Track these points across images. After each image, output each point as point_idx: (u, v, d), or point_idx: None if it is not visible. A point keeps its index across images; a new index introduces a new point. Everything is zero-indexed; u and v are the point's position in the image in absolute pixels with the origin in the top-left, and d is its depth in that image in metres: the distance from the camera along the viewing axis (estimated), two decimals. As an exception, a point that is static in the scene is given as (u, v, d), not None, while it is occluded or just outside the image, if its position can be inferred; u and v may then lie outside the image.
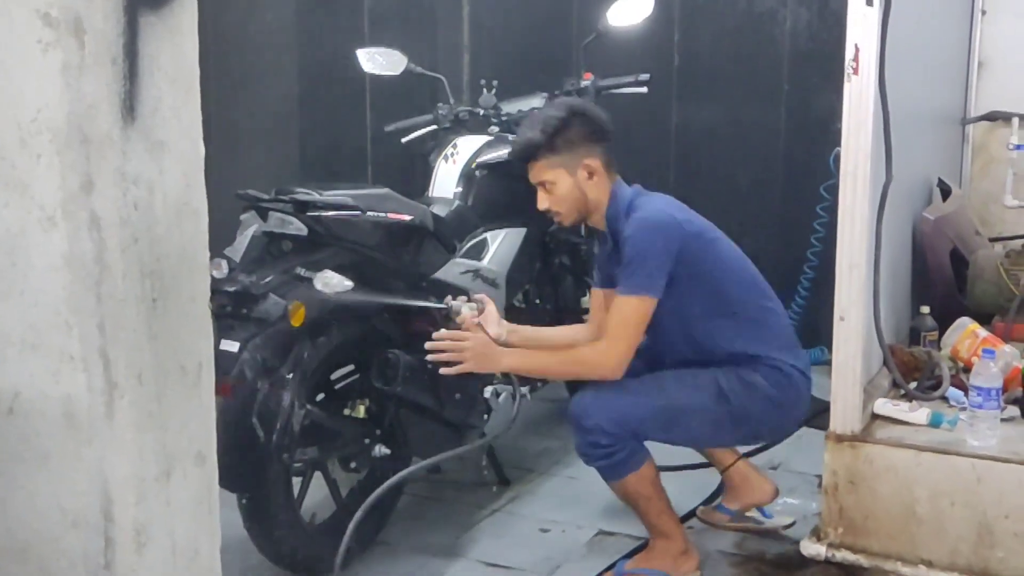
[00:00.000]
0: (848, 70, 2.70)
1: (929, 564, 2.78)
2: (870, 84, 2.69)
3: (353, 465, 2.86)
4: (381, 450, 2.87)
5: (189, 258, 1.41)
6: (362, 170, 4.89)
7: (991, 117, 4.16)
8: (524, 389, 3.44)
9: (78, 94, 1.25)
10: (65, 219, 1.28)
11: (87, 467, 1.34)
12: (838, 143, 3.00)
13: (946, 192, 3.75)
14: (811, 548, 2.91)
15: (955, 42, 4.03)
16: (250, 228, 2.60)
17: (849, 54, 2.70)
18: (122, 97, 1.28)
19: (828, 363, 4.27)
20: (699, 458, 3.60)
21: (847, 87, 2.71)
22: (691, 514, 3.29)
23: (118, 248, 1.30)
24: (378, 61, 3.68)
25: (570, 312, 3.93)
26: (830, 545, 2.88)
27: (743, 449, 3.33)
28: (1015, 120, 4.08)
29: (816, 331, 4.75)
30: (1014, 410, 2.95)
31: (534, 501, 3.47)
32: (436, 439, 3.02)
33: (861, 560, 2.85)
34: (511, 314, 3.47)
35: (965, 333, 3.27)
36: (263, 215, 2.61)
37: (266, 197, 2.62)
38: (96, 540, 1.36)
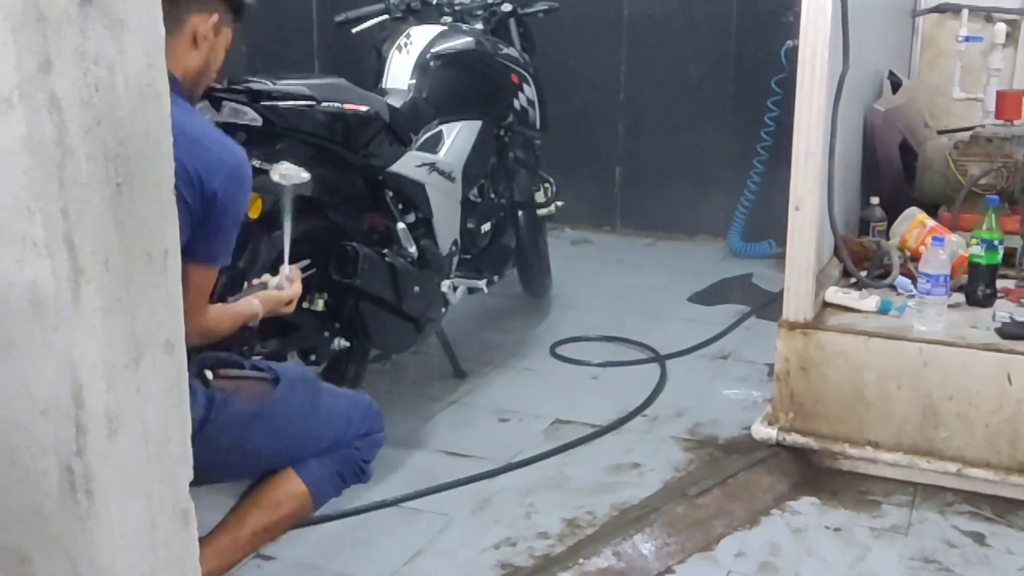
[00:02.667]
0: (807, -44, 2.68)
1: (876, 445, 2.88)
2: (829, -29, 2.67)
3: (313, 358, 2.86)
4: (340, 343, 2.88)
5: (153, 142, 1.37)
6: (309, 61, 4.79)
7: (941, 9, 4.17)
8: (480, 283, 3.46)
9: (32, -30, 1.20)
10: (23, 101, 1.23)
11: (55, 354, 1.32)
12: (790, 36, 3.01)
13: (896, 84, 3.77)
14: (762, 432, 3.00)
15: (909, -69, 4.01)
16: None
17: (808, -60, 2.68)
18: (78, -28, 1.23)
19: (777, 256, 4.38)
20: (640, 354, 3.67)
21: (806, -26, 2.70)
22: (638, 409, 3.36)
23: (80, 131, 1.26)
24: (326, -52, 3.57)
25: (524, 206, 3.93)
26: (781, 429, 2.97)
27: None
28: (964, 12, 4.09)
29: (765, 225, 4.82)
30: (959, 297, 3.03)
31: (491, 392, 3.51)
32: (395, 332, 3.03)
33: (810, 442, 2.94)
34: (467, 207, 3.46)
35: (913, 223, 3.34)
36: (216, 105, 2.55)
37: (219, 87, 2.56)
38: (67, 427, 1.35)
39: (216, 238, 1.96)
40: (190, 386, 1.89)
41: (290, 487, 2.14)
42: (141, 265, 1.38)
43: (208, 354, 2.07)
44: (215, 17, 2.02)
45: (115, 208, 1.32)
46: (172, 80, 1.93)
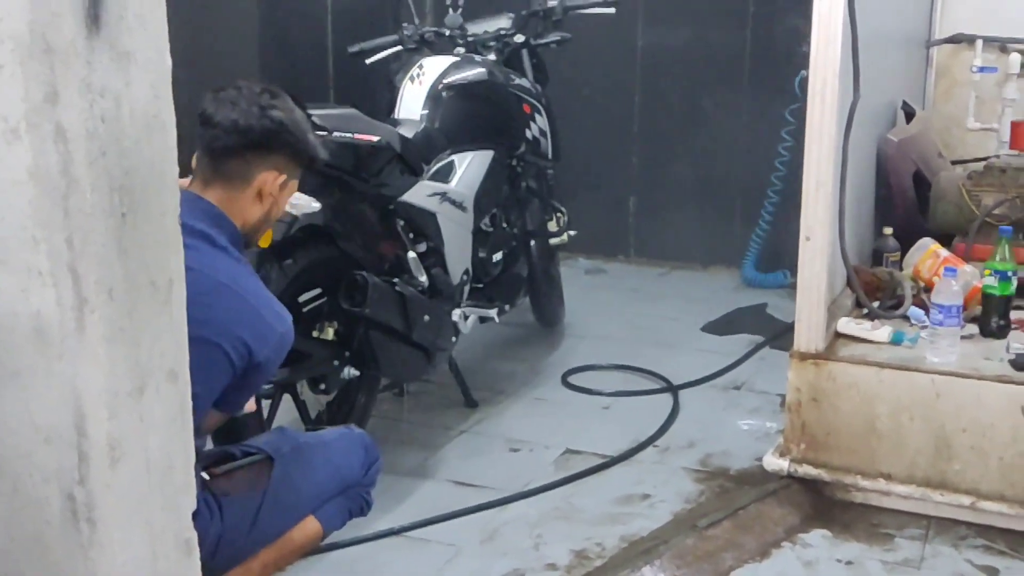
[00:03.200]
0: (818, -13, 2.69)
1: (888, 477, 2.85)
2: (839, 1, 2.68)
3: (322, 387, 2.86)
4: (350, 372, 2.88)
5: (158, 172, 1.38)
6: (324, 92, 4.83)
7: (955, 40, 4.18)
8: (492, 312, 3.46)
9: (41, 2, 1.21)
10: (29, 131, 1.25)
11: (59, 382, 1.33)
12: (804, 66, 3.01)
13: (910, 114, 3.77)
14: (774, 463, 2.98)
15: (921, -37, 4.02)
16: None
17: (819, -29, 2.69)
18: (86, 5, 1.25)
19: (790, 287, 4.36)
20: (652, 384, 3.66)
21: (816, 4, 2.71)
22: (650, 440, 3.34)
23: (85, 161, 1.28)
24: (341, -21, 3.60)
25: (537, 235, 3.94)
26: (792, 460, 2.95)
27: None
28: (979, 43, 4.10)
29: (779, 255, 4.81)
30: (973, 328, 3.01)
31: (502, 422, 3.51)
32: (405, 361, 3.03)
33: (823, 474, 2.92)
34: (479, 237, 3.47)
35: (927, 254, 3.32)
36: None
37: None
38: (70, 455, 1.35)
39: (246, 394, 2.06)
40: (207, 504, 1.95)
41: (304, 525, 2.17)
42: (145, 294, 1.39)
43: (199, 452, 2.08)
44: (283, 178, 2.06)
45: (119, 238, 1.33)
46: (232, 230, 1.99)
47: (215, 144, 2.00)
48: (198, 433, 2.00)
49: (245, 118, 1.99)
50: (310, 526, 2.17)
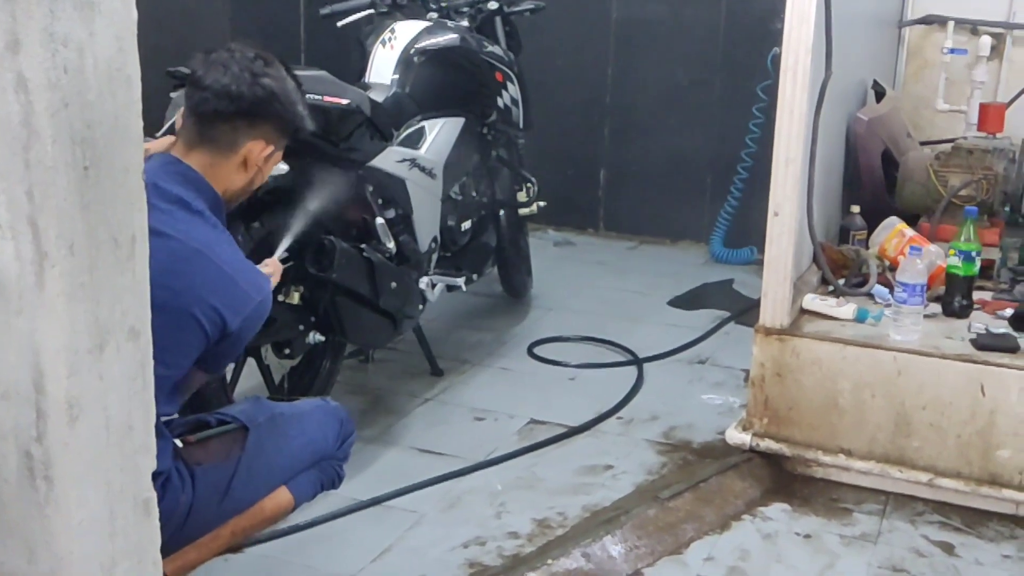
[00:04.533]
0: (792, -37, 2.69)
1: (848, 453, 2.88)
2: (814, -23, 2.68)
3: (287, 352, 2.84)
4: (315, 337, 2.86)
5: (122, 126, 1.35)
6: (295, 54, 4.77)
7: (927, 21, 4.19)
8: (459, 280, 3.45)
9: (2, -52, 1.18)
10: (-11, 81, 1.22)
11: (17, 338, 1.31)
12: (777, 43, 3.01)
13: (880, 94, 3.78)
14: (736, 437, 3.01)
15: (896, -58, 4.03)
16: (181, 107, 2.52)
17: (794, -53, 2.68)
18: (49, -48, 1.22)
19: (758, 263, 4.37)
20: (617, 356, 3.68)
21: (791, -20, 2.70)
22: (616, 408, 3.35)
23: (47, 112, 1.25)
24: (313, -59, 3.55)
25: (506, 205, 3.92)
26: (755, 434, 2.98)
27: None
28: (950, 24, 4.11)
29: (747, 231, 4.83)
30: (936, 307, 3.04)
31: (467, 391, 3.50)
32: (371, 327, 3.02)
33: (784, 449, 2.94)
34: (448, 205, 3.45)
35: (893, 232, 3.35)
36: (195, 94, 2.53)
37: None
38: (27, 412, 1.33)
39: (226, 356, 2.03)
40: (179, 473, 1.94)
41: (276, 495, 2.15)
42: (107, 251, 1.37)
43: (173, 420, 2.06)
44: (270, 148, 2.03)
45: (81, 192, 1.31)
46: (212, 195, 1.95)
47: (203, 108, 1.96)
48: (180, 394, 2.00)
49: (237, 84, 1.95)
50: (282, 496, 2.15)
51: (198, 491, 1.98)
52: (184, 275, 1.87)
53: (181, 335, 1.87)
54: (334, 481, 2.27)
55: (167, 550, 1.97)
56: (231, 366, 2.76)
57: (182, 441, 2.01)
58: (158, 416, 1.91)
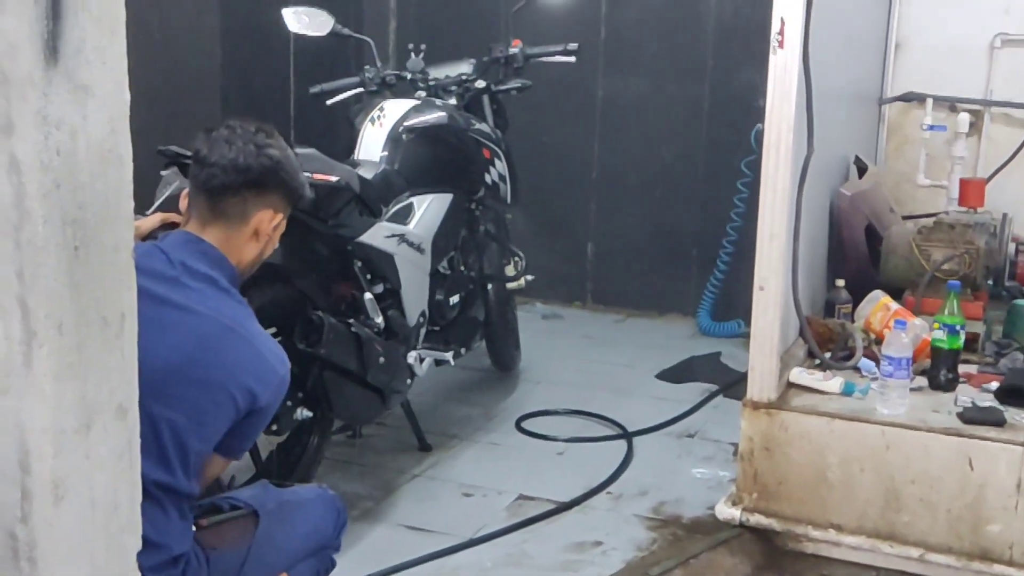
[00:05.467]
0: (774, 43, 2.75)
1: (839, 528, 2.87)
2: (795, 57, 2.74)
3: (274, 428, 2.82)
4: (303, 412, 2.85)
5: (113, 207, 1.37)
6: (285, 132, 4.81)
7: (907, 98, 4.27)
8: (448, 355, 3.45)
9: (-2, 33, 1.21)
10: (-18, 162, 1.24)
11: (3, 417, 1.31)
12: (760, 120, 3.06)
13: (862, 169, 3.84)
14: (726, 512, 2.99)
15: (874, 23, 4.12)
16: (172, 185, 2.55)
17: (775, 27, 2.75)
18: (44, 37, 1.24)
19: (745, 336, 4.38)
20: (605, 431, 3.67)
21: (772, 59, 2.76)
22: (602, 486, 3.33)
23: (39, 194, 1.26)
24: (304, 21, 3.61)
25: (494, 279, 3.94)
26: (744, 509, 2.96)
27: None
28: (929, 101, 4.19)
29: (734, 305, 4.86)
30: (922, 380, 3.05)
31: (455, 466, 3.48)
32: (359, 403, 3.01)
33: (774, 524, 2.93)
34: (436, 279, 3.47)
35: (878, 306, 3.37)
36: (185, 171, 2.56)
37: (188, 153, 2.56)
38: (12, 492, 1.32)
39: (248, 438, 2.06)
40: (195, 556, 1.95)
41: None
42: (95, 329, 1.37)
43: None
44: (279, 217, 2.09)
45: (71, 272, 1.32)
46: (231, 271, 2.01)
47: (212, 183, 2.00)
48: (205, 479, 2.02)
49: (244, 156, 2.00)
50: None
51: (213, 575, 1.97)
52: (218, 351, 1.92)
53: (216, 410, 1.91)
54: (328, 569, 2.28)
55: None
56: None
57: (196, 525, 2.01)
58: (187, 497, 1.93)
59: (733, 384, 4.15)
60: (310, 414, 2.88)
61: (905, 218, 4.01)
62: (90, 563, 1.40)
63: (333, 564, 2.28)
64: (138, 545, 1.50)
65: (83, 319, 1.35)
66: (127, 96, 1.38)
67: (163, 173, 2.59)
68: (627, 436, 3.72)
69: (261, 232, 2.05)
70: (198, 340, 1.90)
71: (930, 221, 3.71)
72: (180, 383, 1.85)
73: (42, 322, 1.29)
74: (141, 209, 2.01)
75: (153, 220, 2.32)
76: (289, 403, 2.82)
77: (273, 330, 2.86)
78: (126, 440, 1.45)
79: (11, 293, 1.27)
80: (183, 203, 2.10)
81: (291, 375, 2.75)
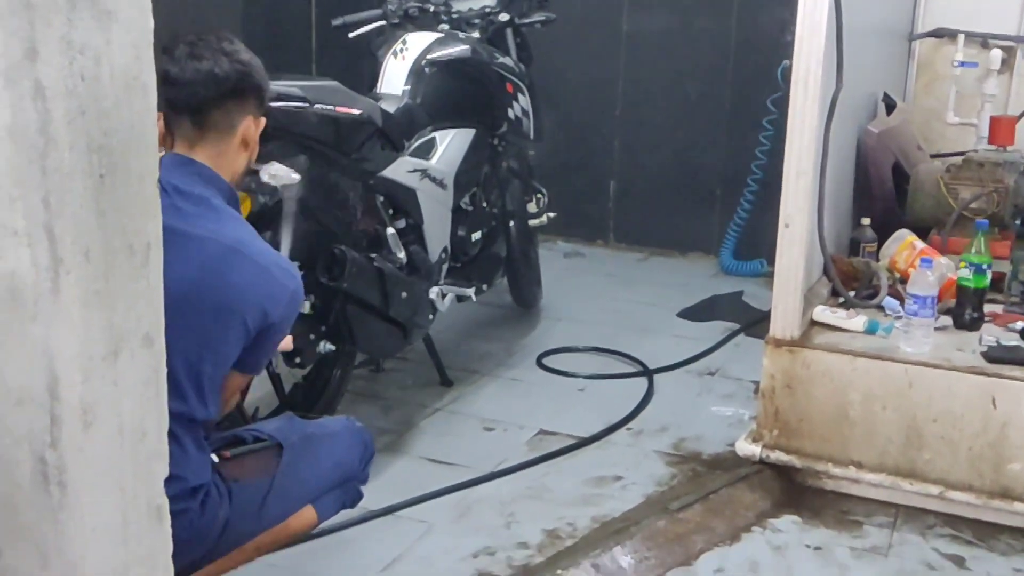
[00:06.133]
0: (804, -25, 2.70)
1: (859, 465, 2.87)
2: (825, -10, 2.69)
3: (297, 361, 2.84)
4: (326, 346, 2.87)
5: (138, 134, 1.36)
6: (306, 65, 4.79)
7: (937, 34, 4.19)
8: (469, 291, 3.46)
9: (21, -43, 1.19)
10: (7, 88, 1.23)
11: (32, 344, 1.31)
12: (787, 56, 3.01)
13: (891, 106, 3.78)
14: (746, 449, 3.00)
15: (906, -44, 4.03)
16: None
17: (806, -41, 2.69)
18: (68, -39, 1.23)
19: (768, 275, 4.38)
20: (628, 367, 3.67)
21: (802, -8, 2.71)
22: (626, 420, 3.35)
23: (64, 120, 1.26)
24: (326, -48, 3.57)
25: (516, 216, 3.93)
26: (765, 446, 2.97)
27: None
28: (960, 37, 4.11)
29: (757, 244, 4.83)
30: (947, 319, 3.03)
31: (476, 401, 3.51)
32: (382, 337, 3.03)
33: (794, 460, 2.94)
34: (458, 215, 3.46)
35: (903, 245, 3.34)
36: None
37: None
38: (42, 418, 1.33)
39: (266, 352, 2.03)
40: (216, 488, 1.95)
41: (301, 513, 2.17)
42: (122, 258, 1.37)
43: (210, 435, 2.07)
44: (260, 121, 2.06)
45: (97, 199, 1.32)
46: (227, 189, 1.97)
47: (193, 100, 1.96)
48: (224, 404, 2.02)
49: (219, 67, 1.96)
50: (307, 514, 2.18)
51: (234, 507, 2.00)
52: (225, 274, 1.90)
53: (227, 334, 1.90)
54: (355, 500, 2.30)
55: (199, 564, 1.99)
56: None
57: (219, 456, 2.02)
58: (202, 424, 1.94)
59: (755, 323, 4.14)
60: (333, 348, 2.90)
61: (933, 156, 3.95)
62: (119, 488, 1.41)
63: (360, 496, 2.29)
64: (165, 472, 1.52)
65: (109, 247, 1.34)
66: (151, 23, 1.36)
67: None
68: (648, 373, 3.73)
69: (249, 140, 2.02)
70: (202, 265, 1.87)
71: (959, 159, 3.66)
72: (188, 311, 1.83)
73: (69, 249, 1.29)
74: (161, 140, 2.00)
75: None
76: (312, 336, 2.84)
77: (296, 264, 2.87)
78: (153, 368, 1.46)
79: (38, 220, 1.27)
80: (160, 128, 2.05)
81: (314, 308, 2.79)
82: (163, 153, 2.05)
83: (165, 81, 1.97)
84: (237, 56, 1.99)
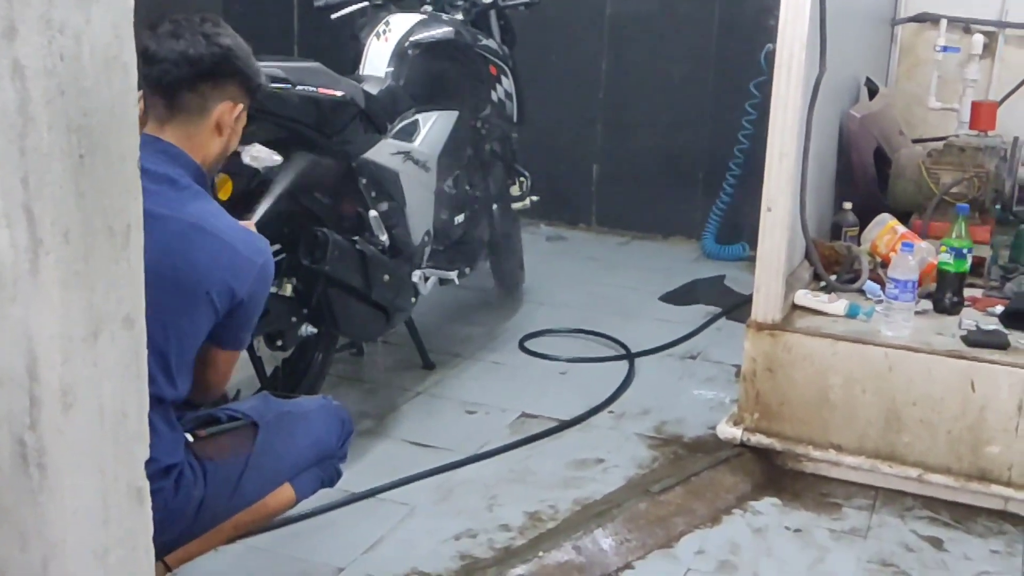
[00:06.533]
0: (788, -42, 2.69)
1: (839, 448, 2.90)
2: (809, -26, 2.69)
3: (279, 343, 2.83)
4: (308, 329, 2.86)
5: (119, 114, 1.35)
6: (288, 46, 4.77)
7: (920, 18, 4.21)
8: (452, 274, 3.45)
9: (-2, -67, 1.18)
10: (-15, 67, 1.22)
11: (11, 326, 1.30)
12: (771, 40, 3.02)
13: (873, 91, 3.79)
14: (727, 432, 3.01)
15: (890, -60, 4.04)
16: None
17: (789, -58, 2.69)
18: (46, -62, 1.21)
19: (750, 259, 4.39)
20: (609, 351, 3.69)
21: (786, -24, 2.71)
22: (607, 403, 3.36)
23: (43, 99, 1.24)
24: (308, -68, 3.54)
25: (499, 199, 3.92)
26: (746, 429, 2.99)
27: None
28: (943, 22, 4.13)
29: (739, 228, 4.85)
30: (927, 303, 3.05)
31: (458, 384, 3.51)
32: (364, 320, 3.02)
33: (775, 443, 2.95)
34: (441, 198, 3.45)
35: (885, 229, 3.36)
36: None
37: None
38: (21, 399, 1.33)
39: (243, 327, 2.02)
40: (191, 468, 1.94)
41: (279, 492, 2.17)
42: (102, 239, 1.36)
43: (184, 415, 2.07)
44: (239, 107, 2.03)
45: (77, 180, 1.30)
46: (194, 167, 1.95)
47: (166, 79, 1.94)
48: (215, 385, 2.02)
49: (194, 47, 1.94)
50: (284, 493, 2.17)
51: (209, 486, 1.99)
52: (186, 252, 1.87)
53: (192, 313, 1.89)
54: (333, 479, 2.29)
55: (175, 544, 1.98)
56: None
57: (193, 436, 2.01)
58: (173, 407, 1.93)
59: (736, 307, 4.16)
60: (315, 330, 2.89)
61: (915, 141, 3.97)
62: (99, 470, 1.41)
63: (338, 474, 2.29)
64: (146, 454, 1.51)
65: (89, 228, 1.33)
66: (131, 2, 1.35)
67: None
68: (629, 357, 3.73)
69: (224, 125, 1.99)
70: (164, 244, 1.83)
71: (940, 144, 3.67)
72: (150, 291, 1.81)
73: (48, 230, 1.28)
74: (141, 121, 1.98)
75: None
76: (294, 319, 2.83)
77: (277, 247, 2.86)
78: (133, 350, 1.45)
79: (16, 201, 1.26)
80: (140, 106, 2.04)
81: (295, 291, 2.78)
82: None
83: (143, 57, 1.96)
84: (216, 39, 1.97)
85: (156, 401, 1.85)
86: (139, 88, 2.00)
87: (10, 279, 1.29)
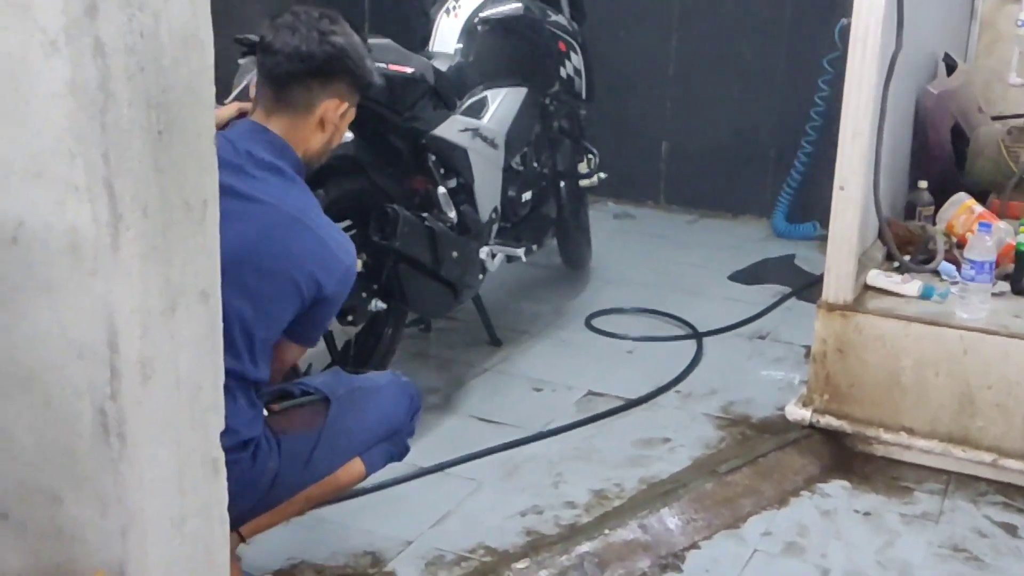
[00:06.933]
0: (865, -69, 2.64)
1: (910, 431, 2.85)
2: (886, -53, 2.63)
3: (350, 318, 2.86)
4: (377, 305, 2.89)
5: (195, 91, 1.37)
6: (359, 22, 4.79)
7: (1001, -8, 4.08)
8: (519, 251, 3.45)
9: (81, -86, 1.20)
10: (68, 44, 1.24)
11: (92, 298, 1.34)
12: (845, 14, 2.95)
13: (951, 67, 3.70)
14: (796, 413, 2.98)
15: (972, -89, 3.92)
16: (249, 73, 2.55)
17: (867, -85, 2.63)
18: (127, -82, 1.23)
19: (821, 238, 4.33)
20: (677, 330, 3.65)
21: (863, -50, 2.65)
22: (674, 382, 3.34)
23: (123, 76, 1.27)
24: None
25: (567, 176, 3.91)
26: (815, 411, 2.95)
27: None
28: (1026, -5, 4.00)
29: (810, 206, 4.77)
30: (1004, 285, 2.99)
31: (526, 362, 3.52)
32: (432, 296, 3.04)
33: (844, 426, 2.92)
34: (509, 175, 3.45)
35: (961, 209, 3.28)
36: (261, 61, 2.56)
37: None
38: (102, 371, 1.36)
39: (318, 325, 2.09)
40: (266, 440, 1.99)
41: (350, 466, 2.21)
42: (179, 214, 1.39)
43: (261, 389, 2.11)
44: (344, 105, 2.07)
45: (155, 155, 1.33)
46: (295, 160, 2.00)
47: (276, 71, 2.00)
48: (276, 373, 2.07)
49: (306, 44, 1.99)
50: (355, 467, 2.22)
51: (283, 459, 2.04)
52: (285, 241, 1.94)
53: (281, 298, 1.95)
54: (402, 453, 2.33)
55: (250, 515, 2.04)
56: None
57: (267, 410, 2.06)
58: (254, 383, 1.98)
59: (806, 287, 4.10)
60: (384, 306, 2.92)
61: (994, 118, 3.86)
62: (176, 440, 1.44)
63: (407, 449, 2.32)
64: (221, 425, 1.55)
65: (167, 203, 1.36)
66: (207, -21, 1.37)
67: (240, 62, 2.59)
68: (697, 336, 3.71)
69: (327, 121, 2.05)
70: (263, 229, 1.92)
71: (1021, 122, 3.58)
72: (245, 272, 1.87)
73: (128, 205, 1.31)
74: (219, 98, 2.01)
75: (230, 109, 2.33)
76: (364, 295, 2.86)
77: (348, 223, 2.89)
78: (209, 324, 1.48)
79: (98, 176, 1.29)
80: (252, 92, 2.10)
81: (366, 267, 2.81)
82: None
83: (260, 47, 2.01)
84: (330, 38, 2.01)
85: (239, 377, 1.90)
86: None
87: (91, 253, 1.32)
